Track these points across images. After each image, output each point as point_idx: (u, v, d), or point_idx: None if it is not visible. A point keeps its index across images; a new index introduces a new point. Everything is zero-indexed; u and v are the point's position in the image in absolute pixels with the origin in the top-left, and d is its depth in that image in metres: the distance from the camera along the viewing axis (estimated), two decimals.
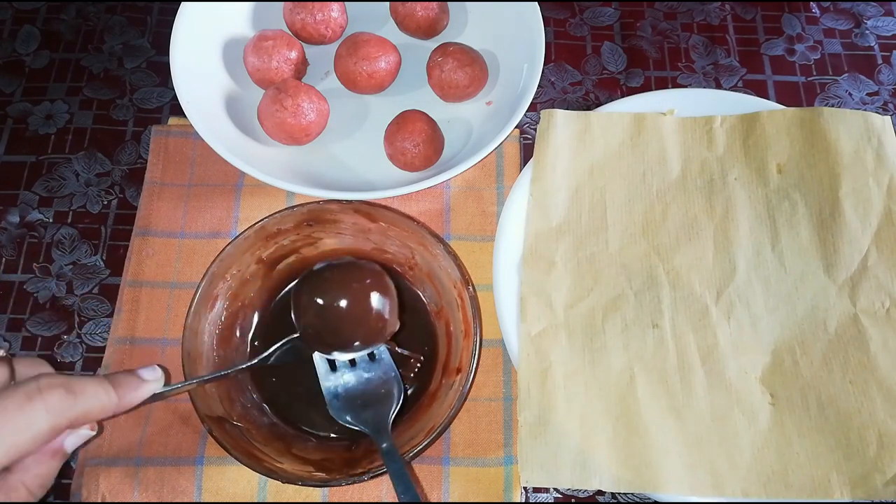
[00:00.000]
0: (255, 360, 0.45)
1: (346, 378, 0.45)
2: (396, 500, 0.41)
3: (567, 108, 0.60)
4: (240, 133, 0.58)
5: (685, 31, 0.67)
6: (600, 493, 0.50)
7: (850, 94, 0.64)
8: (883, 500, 0.46)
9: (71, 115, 0.62)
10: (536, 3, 0.60)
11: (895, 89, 0.64)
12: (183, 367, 0.44)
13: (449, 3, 0.63)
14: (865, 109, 0.62)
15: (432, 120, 0.57)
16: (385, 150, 0.58)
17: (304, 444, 0.48)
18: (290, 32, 0.61)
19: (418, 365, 0.49)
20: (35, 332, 0.54)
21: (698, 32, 0.67)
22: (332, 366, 0.45)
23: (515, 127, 0.57)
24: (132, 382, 0.37)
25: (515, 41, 0.60)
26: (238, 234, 0.48)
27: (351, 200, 0.50)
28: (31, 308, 0.55)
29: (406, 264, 0.52)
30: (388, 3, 0.63)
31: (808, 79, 0.65)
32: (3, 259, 0.57)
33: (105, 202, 0.59)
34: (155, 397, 0.38)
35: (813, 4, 0.69)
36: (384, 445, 0.41)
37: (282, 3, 0.62)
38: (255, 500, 0.49)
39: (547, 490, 0.50)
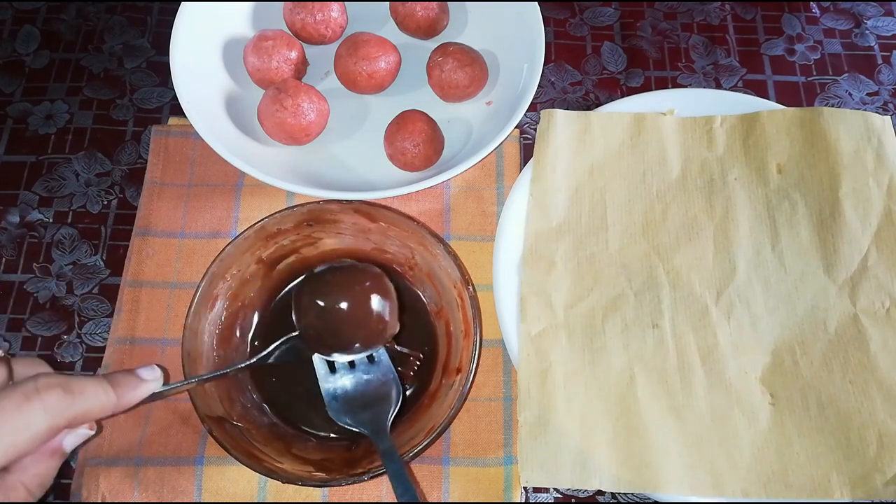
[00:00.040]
0: (255, 359, 0.45)
1: (346, 380, 0.45)
2: (396, 501, 0.41)
3: (567, 108, 0.60)
4: (240, 133, 0.58)
5: (685, 31, 0.67)
6: (600, 493, 0.50)
7: (850, 94, 0.64)
8: (883, 500, 0.46)
9: (71, 115, 0.62)
10: (536, 3, 0.60)
11: (895, 89, 0.64)
12: (183, 367, 0.44)
13: (449, 3, 0.63)
14: (865, 109, 0.62)
15: (432, 120, 0.57)
16: (385, 150, 0.58)
17: (304, 444, 0.48)
18: (290, 32, 0.61)
19: (417, 363, 0.49)
20: (35, 332, 0.54)
21: (698, 32, 0.67)
22: (332, 368, 0.46)
23: (515, 127, 0.57)
24: (131, 382, 0.37)
25: (515, 41, 0.60)
26: (238, 234, 0.48)
27: (351, 200, 0.50)
28: (31, 308, 0.55)
29: (406, 264, 0.52)
30: (388, 3, 0.63)
31: (808, 79, 0.65)
32: (3, 259, 0.57)
33: (105, 202, 0.59)
34: (154, 396, 0.38)
35: (813, 4, 0.69)
36: (383, 447, 0.41)
37: (282, 3, 0.62)
38: (255, 500, 0.49)
39: (547, 490, 0.50)
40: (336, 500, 0.49)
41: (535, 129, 0.59)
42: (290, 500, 0.49)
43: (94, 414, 0.35)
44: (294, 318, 0.44)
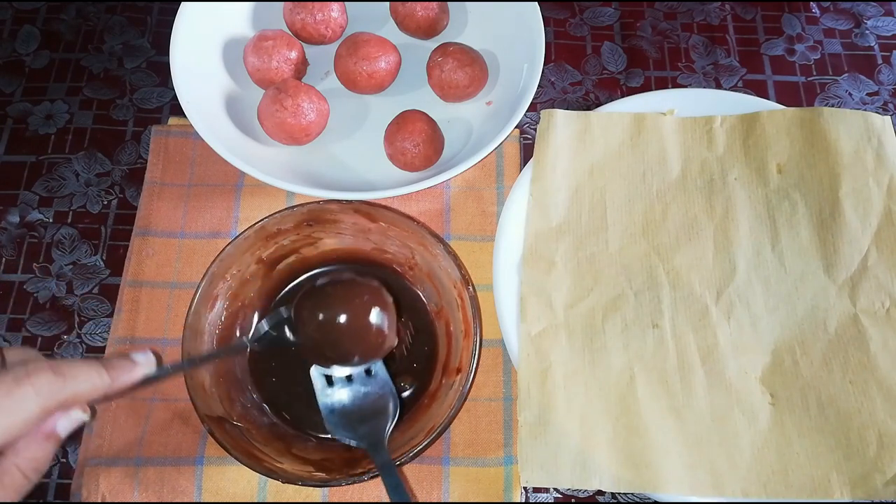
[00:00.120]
0: (246, 340, 0.45)
1: (343, 393, 0.45)
2: None
3: (567, 108, 0.60)
4: (240, 133, 0.58)
5: (685, 31, 0.67)
6: (600, 493, 0.50)
7: (850, 94, 0.64)
8: (883, 500, 0.46)
9: (71, 115, 0.62)
10: (536, 3, 0.60)
11: (895, 89, 0.64)
12: None
13: (449, 3, 0.63)
14: (865, 109, 0.62)
15: (432, 120, 0.57)
16: (385, 150, 0.58)
17: (304, 444, 0.48)
18: (290, 32, 0.61)
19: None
20: (35, 332, 0.54)
21: (698, 32, 0.67)
22: (329, 381, 0.46)
23: (515, 127, 0.57)
24: (125, 365, 0.37)
25: (515, 41, 0.60)
26: (238, 234, 0.48)
27: (351, 200, 0.50)
28: (31, 308, 0.55)
29: (406, 264, 0.52)
30: (388, 3, 0.63)
31: (808, 79, 0.65)
32: (3, 259, 0.57)
33: (105, 202, 0.59)
34: (147, 381, 0.38)
35: (813, 4, 0.69)
36: (380, 460, 0.41)
37: (282, 3, 0.62)
38: (255, 500, 0.49)
39: (547, 490, 0.50)
40: (336, 500, 0.49)
41: (535, 129, 0.59)
42: (290, 500, 0.49)
43: (85, 396, 0.35)
44: (294, 330, 0.44)
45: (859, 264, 0.53)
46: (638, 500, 0.50)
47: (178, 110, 0.60)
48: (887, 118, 0.57)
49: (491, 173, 0.59)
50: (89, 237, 0.57)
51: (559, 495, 0.50)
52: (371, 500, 0.49)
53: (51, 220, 0.58)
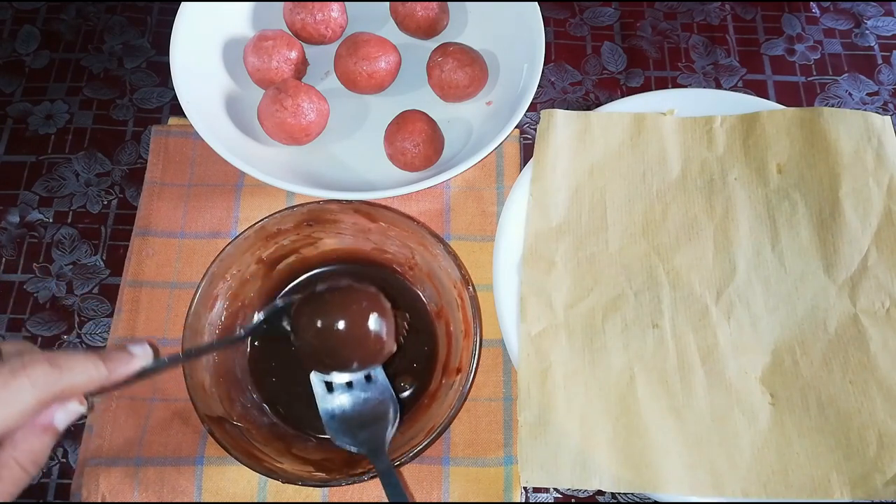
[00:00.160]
0: (245, 332, 0.45)
1: (343, 399, 0.45)
2: None
3: (567, 108, 0.60)
4: (240, 133, 0.58)
5: (685, 31, 0.67)
6: (600, 493, 0.50)
7: (850, 94, 0.64)
8: (883, 500, 0.46)
9: (71, 115, 0.62)
10: (536, 3, 0.60)
11: (895, 89, 0.64)
12: (183, 367, 0.44)
13: (449, 3, 0.63)
14: (865, 109, 0.62)
15: (432, 120, 0.57)
16: (385, 150, 0.58)
17: (304, 444, 0.48)
18: (290, 32, 0.61)
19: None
20: (35, 332, 0.54)
21: (698, 32, 0.67)
22: (329, 388, 0.46)
23: (515, 127, 0.57)
24: (122, 357, 0.37)
25: (515, 41, 0.60)
26: (238, 234, 0.48)
27: (351, 200, 0.50)
28: (31, 308, 0.55)
29: (406, 264, 0.52)
30: (388, 3, 0.63)
31: (808, 79, 0.65)
32: (3, 259, 0.57)
33: (105, 202, 0.59)
34: (145, 373, 0.38)
35: (813, 4, 0.69)
36: (381, 466, 0.41)
37: (282, 3, 0.62)
38: (255, 500, 0.49)
39: (547, 490, 0.50)
40: (336, 500, 0.49)
41: (535, 129, 0.59)
42: (290, 500, 0.49)
43: (82, 388, 0.35)
44: (293, 338, 0.45)
45: (859, 264, 0.53)
46: (638, 500, 0.50)
47: (178, 110, 0.60)
48: (887, 118, 0.57)
49: (491, 173, 0.59)
50: (89, 237, 0.57)
51: (559, 495, 0.50)
52: (371, 500, 0.49)
53: (51, 220, 0.58)
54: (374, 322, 0.44)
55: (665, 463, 0.47)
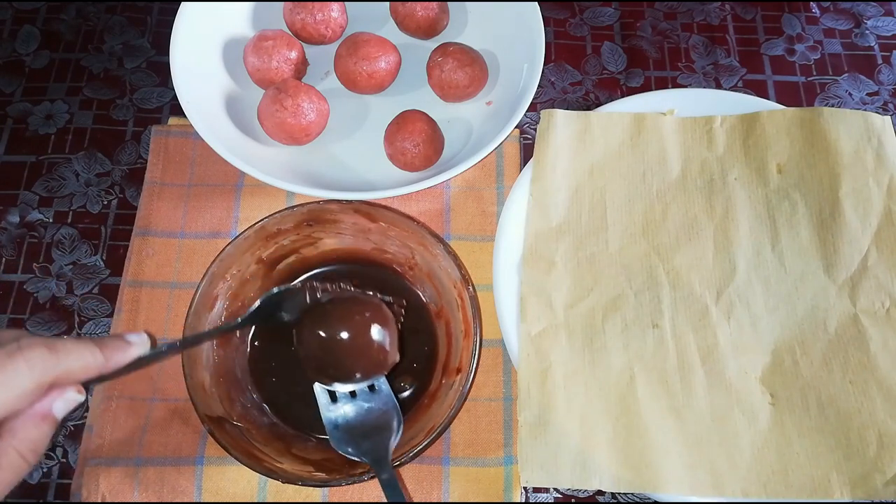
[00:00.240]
0: (242, 320, 0.45)
1: (347, 409, 0.45)
2: None
3: (567, 108, 0.60)
4: (240, 133, 0.58)
5: (685, 31, 0.67)
6: (600, 493, 0.50)
7: (850, 94, 0.64)
8: (883, 500, 0.46)
9: (71, 115, 0.62)
10: (536, 3, 0.60)
11: (895, 89, 0.64)
12: (183, 367, 0.44)
13: (449, 3, 0.63)
14: (865, 109, 0.62)
15: (432, 120, 0.57)
16: (385, 150, 0.58)
17: (304, 444, 0.48)
18: (290, 32, 0.61)
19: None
20: (35, 332, 0.54)
21: (698, 32, 0.67)
22: (333, 397, 0.46)
23: (515, 127, 0.57)
24: (119, 345, 0.37)
25: (515, 41, 0.60)
26: (238, 234, 0.48)
27: (351, 200, 0.50)
28: (31, 308, 0.55)
29: (406, 264, 0.52)
30: (388, 3, 0.63)
31: (808, 79, 0.65)
32: (3, 259, 0.57)
33: (105, 202, 0.59)
34: (141, 362, 0.38)
35: (813, 4, 0.69)
36: (384, 476, 0.41)
37: (282, 3, 0.62)
38: (255, 500, 0.49)
39: (547, 490, 0.50)
40: (336, 500, 0.49)
41: (535, 129, 0.59)
42: (290, 500, 0.49)
43: (79, 373, 0.35)
44: (297, 349, 0.45)
45: (859, 264, 0.53)
46: (638, 500, 0.50)
47: (178, 110, 0.60)
48: (887, 118, 0.57)
49: (491, 173, 0.59)
50: (89, 237, 0.57)
51: (559, 495, 0.50)
52: (371, 501, 0.49)
53: (51, 220, 0.58)
54: (377, 333, 0.44)
55: (665, 463, 0.47)
